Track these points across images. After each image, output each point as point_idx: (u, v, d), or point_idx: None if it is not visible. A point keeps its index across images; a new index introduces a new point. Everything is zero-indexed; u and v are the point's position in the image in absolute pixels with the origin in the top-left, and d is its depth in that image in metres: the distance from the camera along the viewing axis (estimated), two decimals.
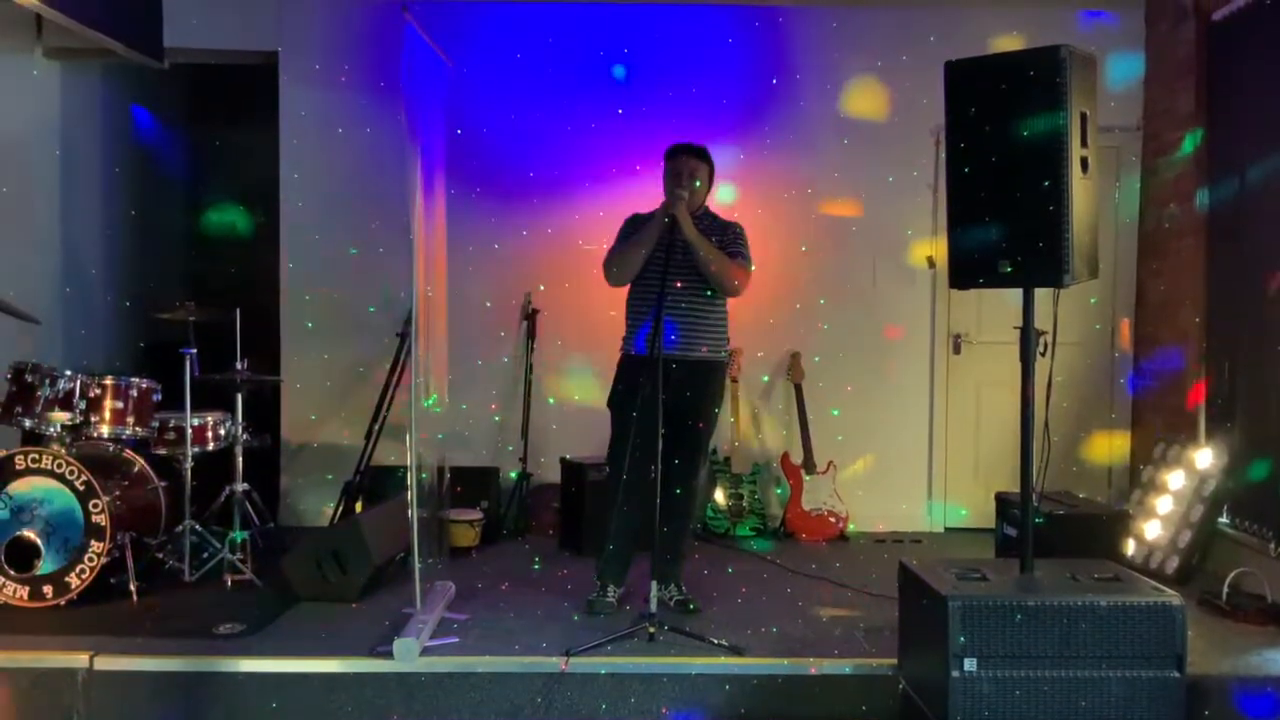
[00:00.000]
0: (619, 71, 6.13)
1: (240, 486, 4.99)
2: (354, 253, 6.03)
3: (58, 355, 5.90)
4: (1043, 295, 3.59)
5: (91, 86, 6.56)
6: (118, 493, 4.56)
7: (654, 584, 4.10)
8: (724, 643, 4.00)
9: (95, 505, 4.39)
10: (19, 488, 4.40)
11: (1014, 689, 3.22)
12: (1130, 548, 5.15)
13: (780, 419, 6.26)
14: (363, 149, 5.99)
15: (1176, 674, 3.23)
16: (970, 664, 3.22)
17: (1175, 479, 5.30)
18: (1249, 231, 5.10)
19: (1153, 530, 5.22)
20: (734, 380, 5.90)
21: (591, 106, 6.11)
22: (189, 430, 4.83)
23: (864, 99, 6.12)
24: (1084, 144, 3.42)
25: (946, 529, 6.27)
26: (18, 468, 4.41)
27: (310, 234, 6.10)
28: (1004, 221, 3.50)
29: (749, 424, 6.19)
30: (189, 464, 4.81)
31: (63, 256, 6.22)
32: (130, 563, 4.48)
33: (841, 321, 6.18)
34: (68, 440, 4.59)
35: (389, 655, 3.78)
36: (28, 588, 4.39)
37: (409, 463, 4.10)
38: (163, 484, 4.85)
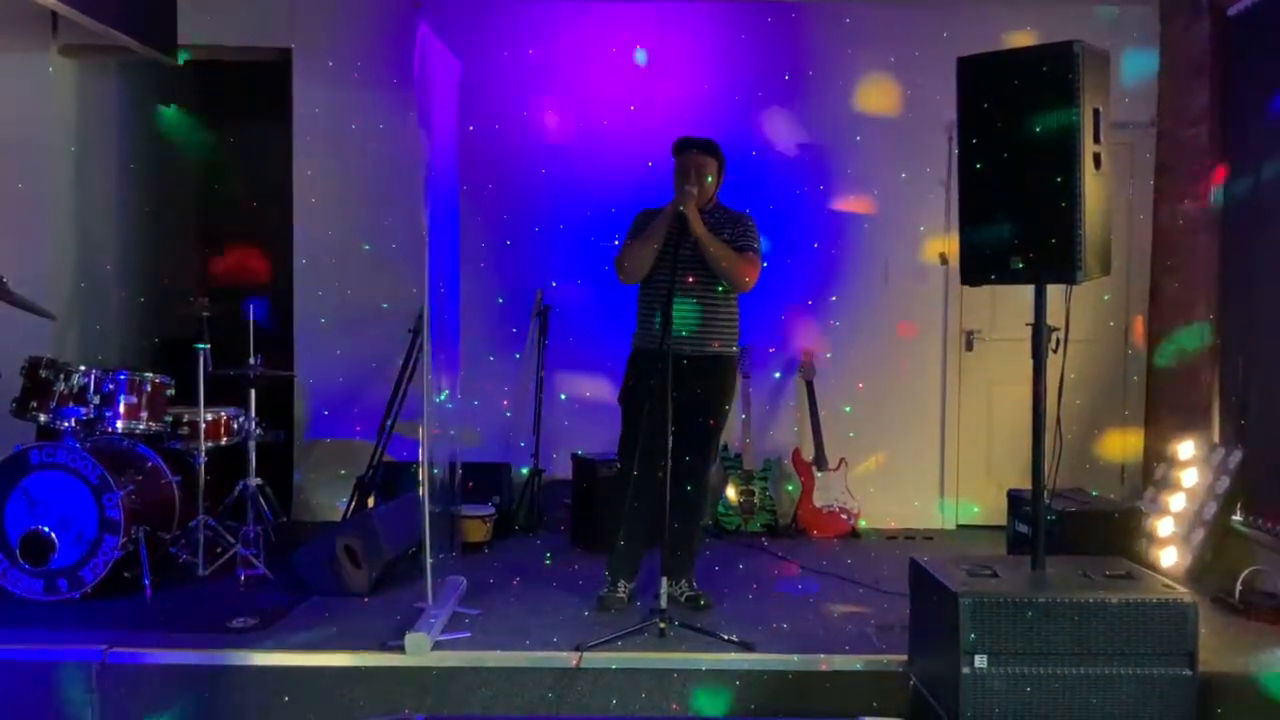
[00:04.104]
0: (633, 65, 6.11)
1: (254, 481, 5.02)
2: (367, 248, 6.05)
3: (72, 351, 5.94)
4: (1056, 292, 3.58)
5: (106, 83, 6.59)
6: (132, 487, 4.58)
7: (665, 580, 4.10)
8: (735, 638, 4.00)
9: (110, 500, 4.41)
10: (34, 482, 4.43)
11: (1025, 686, 3.22)
12: (1143, 545, 5.12)
13: (792, 416, 6.25)
14: (375, 145, 6.00)
15: (1188, 672, 3.22)
16: (981, 661, 3.22)
17: (1188, 476, 5.28)
18: (1264, 227, 5.07)
19: (1166, 528, 5.20)
20: (745, 376, 5.91)
21: (603, 103, 6.11)
22: (203, 425, 4.85)
23: (877, 95, 6.11)
24: (1096, 140, 3.40)
25: (958, 526, 6.26)
26: (33, 462, 4.44)
27: (323, 230, 6.12)
28: (1016, 218, 3.49)
29: (760, 420, 6.18)
30: (203, 459, 4.83)
31: (77, 252, 6.25)
32: (144, 557, 4.51)
33: (853, 318, 6.17)
34: (82, 435, 4.62)
35: (401, 650, 3.80)
36: (43, 581, 4.42)
37: (421, 458, 4.12)
38: (176, 479, 4.87)
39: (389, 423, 5.72)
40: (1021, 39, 5.45)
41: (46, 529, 4.41)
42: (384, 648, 3.87)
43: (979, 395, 6.25)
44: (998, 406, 6.18)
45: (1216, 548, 5.05)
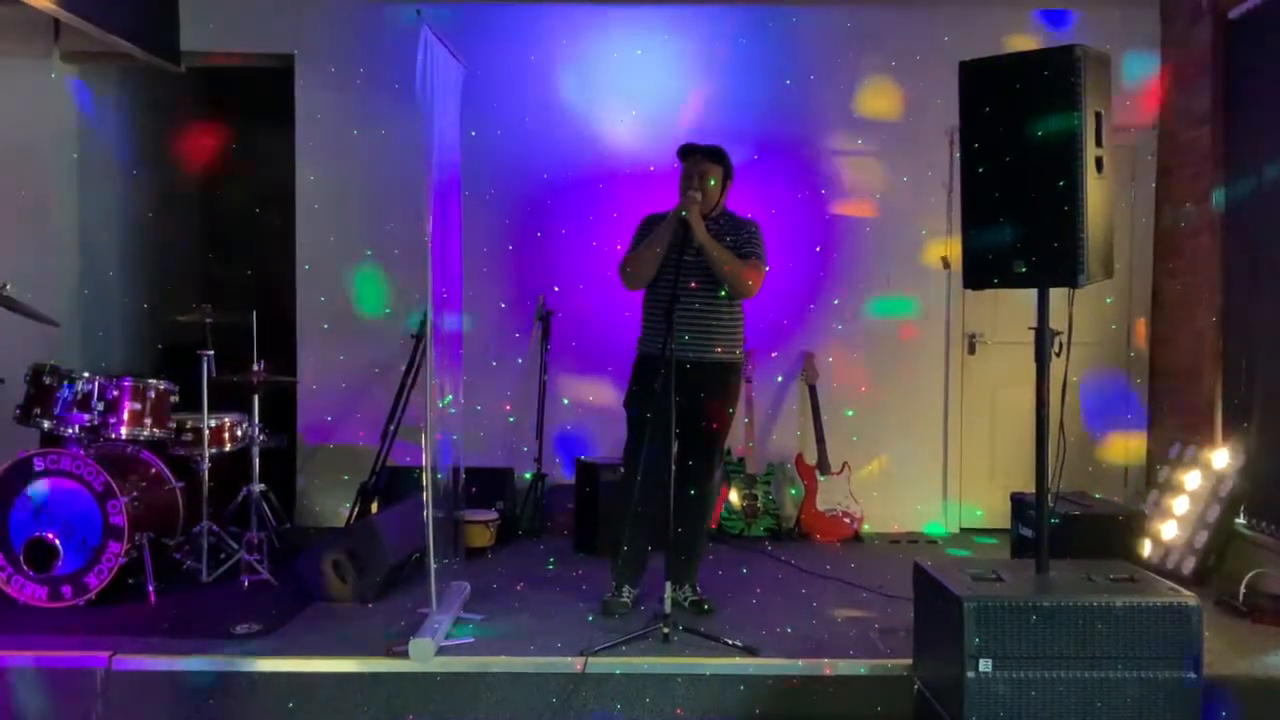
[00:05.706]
0: (635, 70, 6.11)
1: (257, 487, 5.01)
2: (369, 254, 6.06)
3: (76, 357, 5.95)
4: (1058, 295, 3.58)
5: (109, 90, 6.60)
6: (136, 493, 4.58)
7: (669, 584, 4.10)
8: (739, 643, 4.00)
9: (113, 506, 4.41)
10: (38, 489, 4.44)
11: (1029, 690, 3.21)
12: (1147, 548, 5.12)
13: (795, 420, 6.25)
14: (378, 151, 6.01)
15: (1193, 675, 3.21)
16: (985, 665, 3.21)
17: (1192, 479, 5.27)
18: (1266, 230, 5.07)
19: (1169, 531, 5.19)
20: (747, 380, 5.91)
21: (605, 108, 6.12)
22: (206, 431, 4.86)
23: (878, 99, 6.11)
24: (1099, 143, 3.40)
25: (962, 529, 6.26)
26: (37, 469, 4.44)
27: (325, 236, 6.13)
28: (1018, 221, 3.49)
29: (763, 424, 6.18)
30: (206, 465, 4.83)
31: (81, 259, 6.26)
32: (148, 563, 4.51)
33: (856, 322, 6.17)
34: (86, 441, 4.62)
35: (405, 655, 3.80)
36: (47, 588, 4.42)
37: (424, 463, 4.12)
38: (180, 485, 4.88)
39: (392, 428, 5.73)
40: (1023, 42, 5.47)
41: (50, 535, 4.41)
42: (388, 653, 3.87)
43: (982, 399, 6.25)
44: (1000, 410, 6.18)
45: (1220, 550, 5.04)
